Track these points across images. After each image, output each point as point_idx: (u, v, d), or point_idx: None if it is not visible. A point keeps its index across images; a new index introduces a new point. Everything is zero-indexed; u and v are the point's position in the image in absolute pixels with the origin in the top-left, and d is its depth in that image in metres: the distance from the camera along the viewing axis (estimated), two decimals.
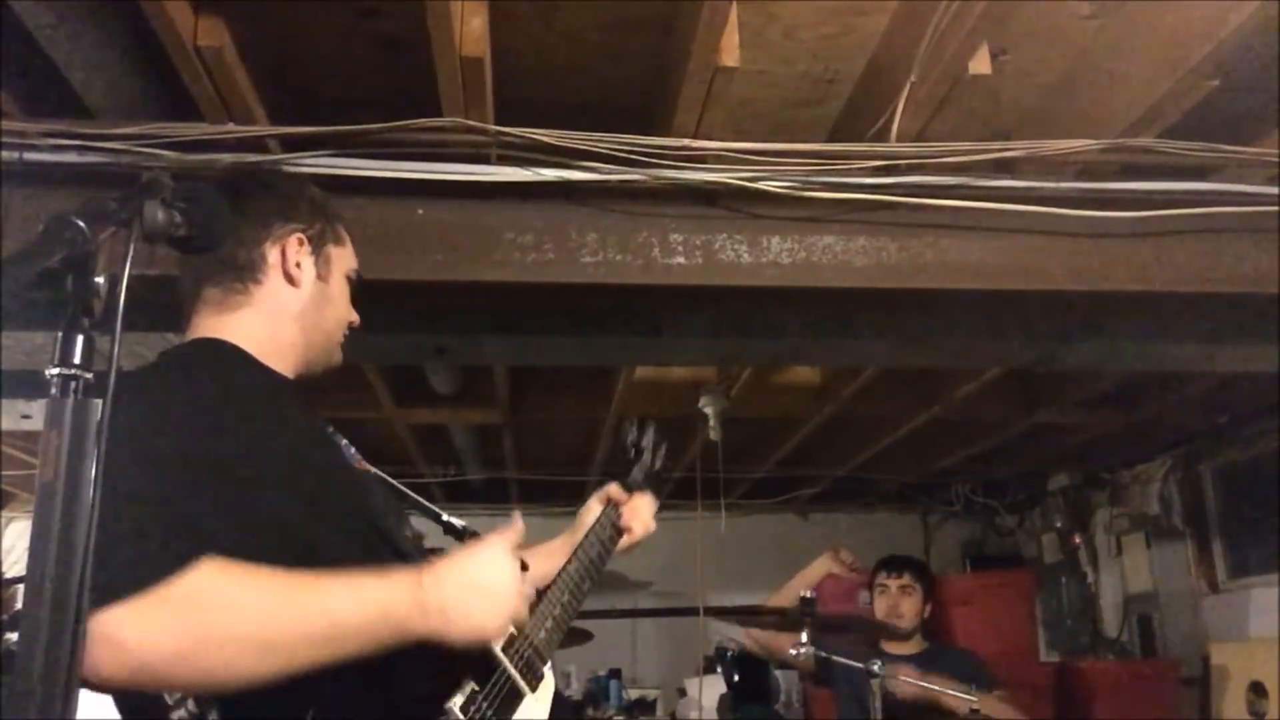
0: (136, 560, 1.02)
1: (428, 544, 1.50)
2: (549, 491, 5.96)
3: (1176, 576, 5.41)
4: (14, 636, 2.23)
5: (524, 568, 1.30)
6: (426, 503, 1.62)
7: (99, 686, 1.01)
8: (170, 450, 1.13)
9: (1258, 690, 4.55)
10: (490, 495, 6.13)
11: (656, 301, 2.67)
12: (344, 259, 1.49)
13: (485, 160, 2.36)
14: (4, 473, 5.00)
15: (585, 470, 5.75)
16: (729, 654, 4.05)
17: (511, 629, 1.31)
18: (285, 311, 1.39)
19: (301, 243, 1.41)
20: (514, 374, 4.18)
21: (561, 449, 5.51)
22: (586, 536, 1.73)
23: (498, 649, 1.29)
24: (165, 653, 1.01)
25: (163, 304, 2.47)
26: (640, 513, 1.86)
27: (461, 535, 1.61)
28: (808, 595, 3.16)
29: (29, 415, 3.54)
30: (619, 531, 1.82)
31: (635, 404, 4.32)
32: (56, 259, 0.85)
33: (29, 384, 3.17)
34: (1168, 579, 5.48)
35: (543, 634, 1.42)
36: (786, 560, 6.13)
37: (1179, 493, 5.38)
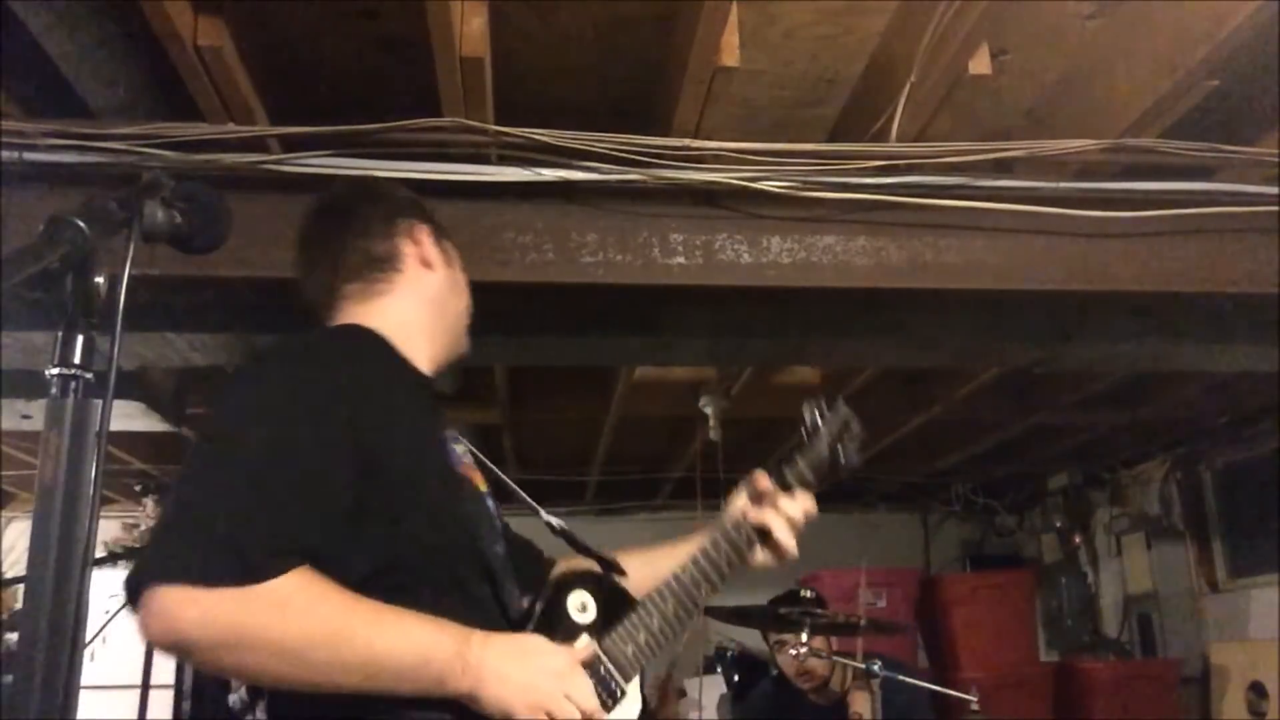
0: (237, 553, 1.06)
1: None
2: (549, 491, 5.96)
3: (1176, 576, 5.41)
4: (14, 636, 2.23)
5: (586, 665, 1.26)
6: (531, 500, 1.54)
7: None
8: (312, 431, 1.17)
9: (1258, 690, 4.55)
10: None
11: (656, 301, 2.67)
12: (454, 250, 1.57)
13: (485, 160, 2.36)
14: (4, 473, 5.00)
15: (585, 470, 5.75)
16: (729, 654, 4.05)
17: (594, 647, 1.30)
18: (425, 296, 1.46)
19: (428, 234, 1.50)
20: (514, 374, 4.18)
21: (561, 449, 5.51)
22: (711, 538, 1.45)
23: None
24: (210, 642, 1.06)
25: (163, 304, 2.49)
26: (784, 518, 1.47)
27: (560, 533, 1.52)
28: (807, 595, 3.16)
29: (29, 415, 3.54)
30: (752, 539, 1.46)
31: (635, 404, 4.32)
32: (56, 259, 0.85)
33: (29, 384, 3.18)
34: (1168, 579, 5.48)
35: (630, 649, 1.33)
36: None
37: (1179, 493, 5.38)
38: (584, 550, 1.47)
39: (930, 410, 4.51)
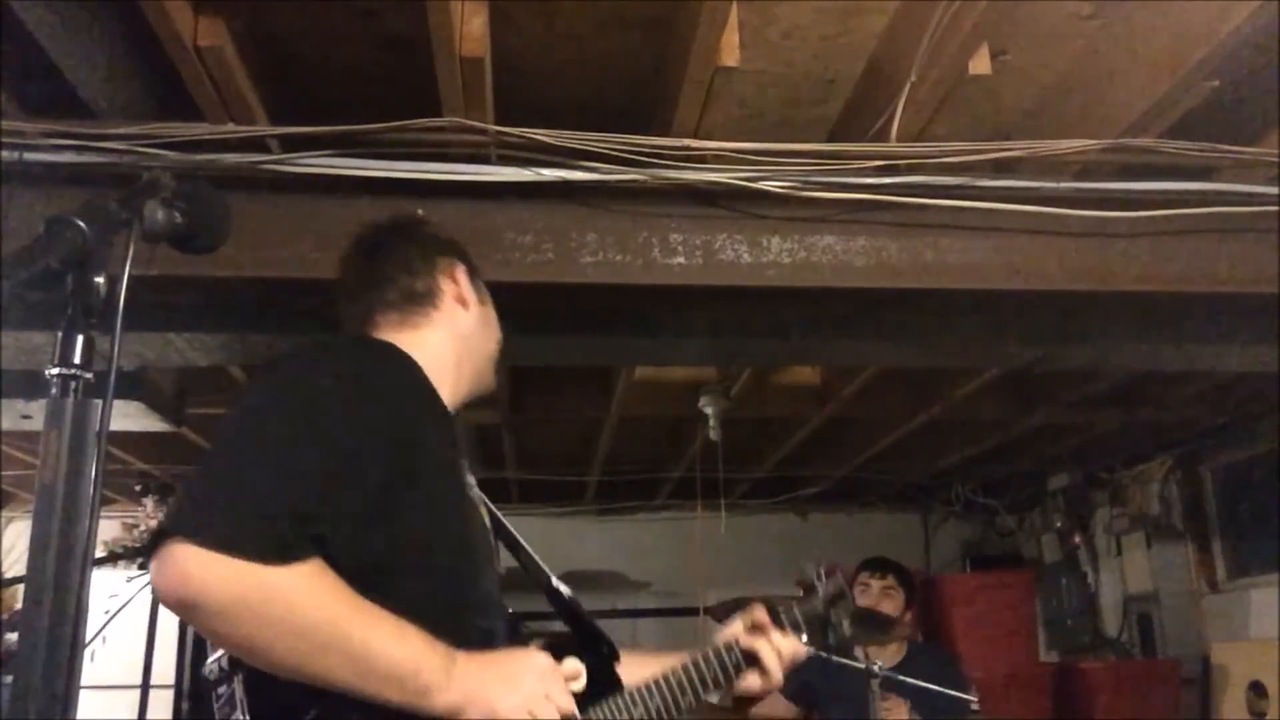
0: (265, 532, 1.09)
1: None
2: (549, 491, 5.96)
3: (1176, 576, 5.41)
4: (14, 636, 2.23)
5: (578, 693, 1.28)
6: (539, 561, 1.54)
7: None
8: (344, 425, 1.22)
9: (1258, 690, 4.55)
10: (490, 495, 6.11)
11: (656, 301, 2.67)
12: (484, 288, 1.64)
13: (485, 160, 2.36)
14: (4, 473, 5.00)
15: (585, 470, 5.76)
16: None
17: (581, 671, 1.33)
18: (458, 332, 1.53)
19: (463, 272, 1.57)
20: (514, 374, 4.18)
21: (561, 449, 5.51)
22: (703, 651, 1.51)
23: None
24: (219, 607, 1.08)
25: (163, 304, 2.49)
26: (775, 650, 1.55)
27: (567, 602, 1.54)
28: (804, 595, 3.14)
29: (29, 415, 3.54)
30: (740, 663, 1.54)
31: (635, 404, 4.32)
32: (56, 259, 0.85)
33: (29, 384, 3.17)
34: (1168, 579, 5.48)
35: None
36: (787, 560, 6.15)
37: (1179, 493, 5.38)
38: (587, 625, 1.51)
39: (930, 410, 4.51)
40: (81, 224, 0.87)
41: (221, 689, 1.23)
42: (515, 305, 2.74)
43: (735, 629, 1.56)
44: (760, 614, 1.57)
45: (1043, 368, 3.50)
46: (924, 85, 2.20)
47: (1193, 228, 2.55)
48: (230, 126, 2.23)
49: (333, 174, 2.26)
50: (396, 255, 1.53)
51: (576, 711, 1.28)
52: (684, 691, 1.45)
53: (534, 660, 1.27)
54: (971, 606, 5.65)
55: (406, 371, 1.36)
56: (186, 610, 1.10)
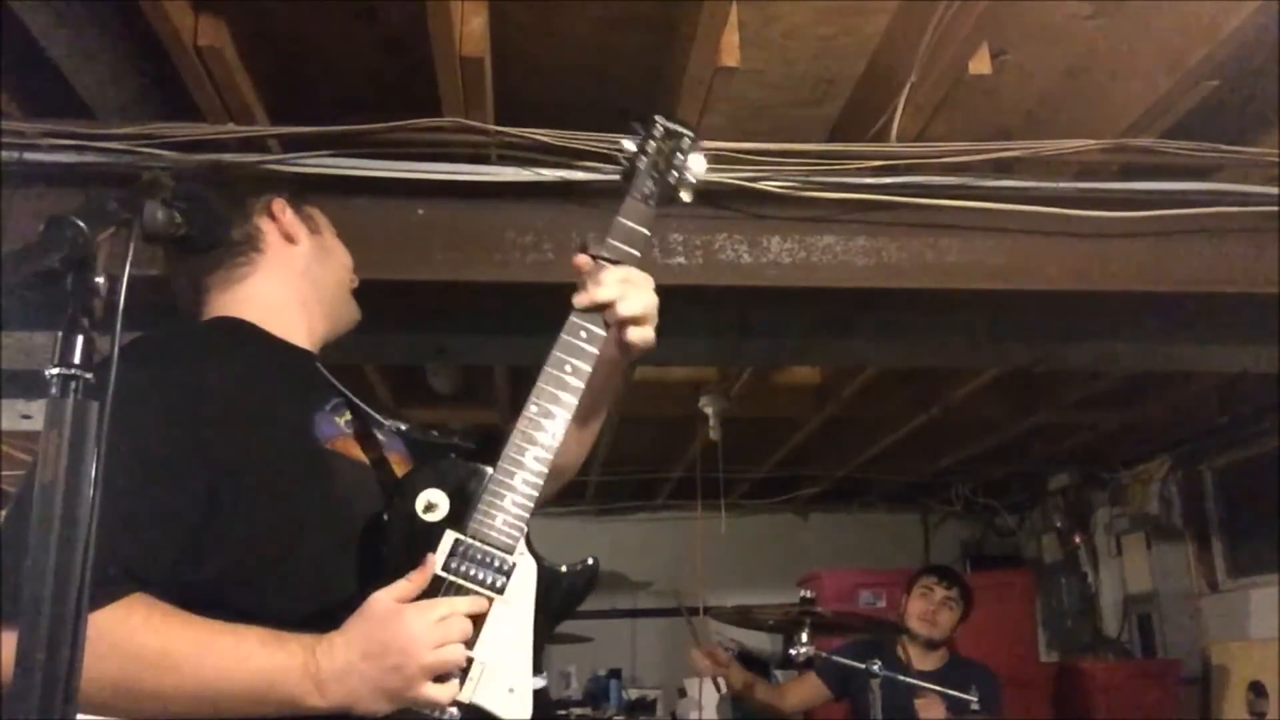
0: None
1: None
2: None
3: (1176, 576, 5.41)
4: None
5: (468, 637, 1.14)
6: (373, 413, 1.38)
7: None
8: (144, 447, 1.12)
9: (1258, 690, 4.55)
10: None
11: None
12: (320, 214, 1.52)
13: (485, 160, 2.36)
14: (4, 473, 5.00)
15: (585, 470, 5.74)
16: (730, 654, 4.04)
17: (455, 535, 1.19)
18: (293, 269, 1.42)
19: (283, 207, 1.44)
20: (514, 374, 4.18)
21: None
22: (545, 361, 1.31)
23: (437, 568, 1.15)
24: None
25: (163, 304, 2.48)
26: (614, 284, 1.34)
27: (401, 435, 1.40)
28: (807, 595, 3.16)
29: (29, 415, 3.54)
30: (592, 330, 1.33)
31: (635, 404, 4.32)
32: (56, 259, 0.85)
33: (29, 384, 3.17)
34: (1168, 579, 5.48)
35: (500, 519, 1.21)
36: (787, 560, 6.16)
37: (1179, 493, 5.38)
38: (432, 446, 1.41)
39: (930, 410, 4.51)
40: (81, 224, 0.86)
41: None
42: (515, 305, 2.77)
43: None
44: (580, 259, 1.36)
45: (1043, 368, 3.50)
46: (924, 85, 2.20)
47: (1193, 228, 2.55)
48: (230, 126, 2.23)
49: (332, 174, 2.26)
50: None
51: (463, 637, 1.14)
52: (549, 416, 1.26)
53: (407, 628, 1.10)
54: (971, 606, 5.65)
55: (226, 354, 1.27)
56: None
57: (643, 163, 1.45)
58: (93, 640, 0.98)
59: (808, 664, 3.29)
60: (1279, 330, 2.81)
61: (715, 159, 2.40)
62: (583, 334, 1.32)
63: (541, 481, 1.25)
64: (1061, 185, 2.49)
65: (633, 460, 5.62)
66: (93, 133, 2.18)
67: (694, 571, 5.16)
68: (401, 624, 1.11)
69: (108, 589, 1.05)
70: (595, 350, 1.32)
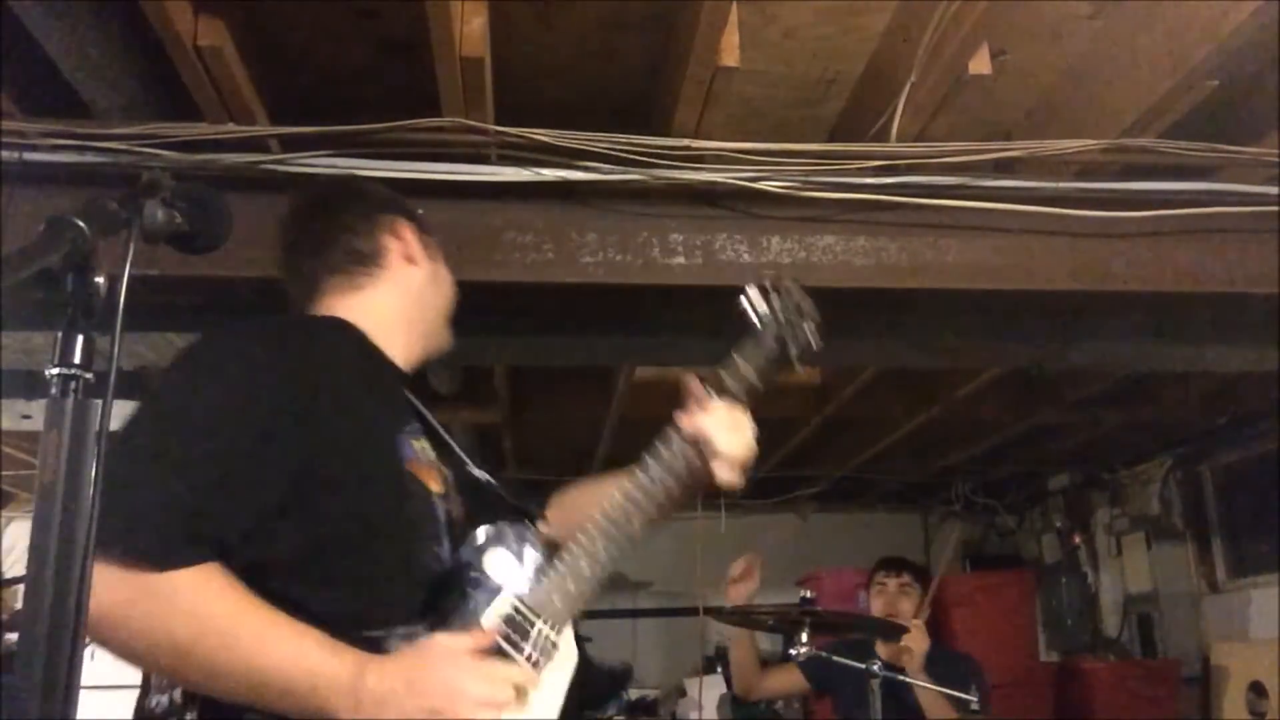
0: (146, 536, 1.05)
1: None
2: (549, 492, 5.94)
3: (1176, 576, 5.41)
4: (14, 636, 2.22)
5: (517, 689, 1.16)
6: (459, 449, 1.46)
7: None
8: (253, 414, 1.16)
9: (1258, 690, 4.55)
10: None
11: (656, 301, 2.67)
12: (435, 243, 1.57)
13: (485, 160, 2.36)
14: (4, 473, 5.00)
15: (585, 470, 5.74)
16: (730, 654, 4.04)
17: (514, 601, 1.22)
18: (409, 290, 1.47)
19: (412, 230, 1.51)
20: (514, 374, 4.18)
21: (561, 449, 5.51)
22: (640, 463, 1.33)
23: (495, 633, 1.18)
24: (94, 617, 0.95)
25: (163, 304, 2.48)
26: (722, 421, 1.34)
27: (483, 487, 1.45)
28: (807, 595, 3.15)
29: (29, 415, 3.54)
30: (689, 454, 1.34)
31: (635, 404, 4.32)
32: (56, 259, 0.85)
33: (29, 384, 3.18)
34: (1168, 579, 5.48)
35: (558, 599, 1.26)
36: (787, 560, 6.15)
37: (1179, 493, 5.38)
38: (507, 504, 1.44)
39: (930, 410, 4.51)
40: (81, 224, 0.86)
41: None
42: (515, 305, 2.77)
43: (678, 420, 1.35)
44: (694, 384, 1.36)
45: (1043, 368, 3.50)
46: (924, 85, 2.20)
47: (1193, 228, 2.55)
48: (230, 126, 2.23)
49: (333, 174, 2.26)
50: (339, 216, 1.47)
51: (509, 697, 1.16)
52: (628, 518, 1.30)
53: (447, 673, 1.13)
54: (971, 606, 5.65)
55: (336, 350, 1.30)
56: None
57: (772, 327, 1.44)
58: (166, 596, 1.04)
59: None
60: (1279, 330, 2.81)
61: (715, 158, 2.40)
62: (677, 450, 1.35)
63: (604, 576, 1.30)
64: (1061, 185, 2.49)
65: (633, 460, 5.60)
66: (93, 133, 2.18)
67: (694, 572, 5.16)
68: (457, 671, 1.13)
69: (187, 552, 1.06)
70: (684, 470, 1.36)
